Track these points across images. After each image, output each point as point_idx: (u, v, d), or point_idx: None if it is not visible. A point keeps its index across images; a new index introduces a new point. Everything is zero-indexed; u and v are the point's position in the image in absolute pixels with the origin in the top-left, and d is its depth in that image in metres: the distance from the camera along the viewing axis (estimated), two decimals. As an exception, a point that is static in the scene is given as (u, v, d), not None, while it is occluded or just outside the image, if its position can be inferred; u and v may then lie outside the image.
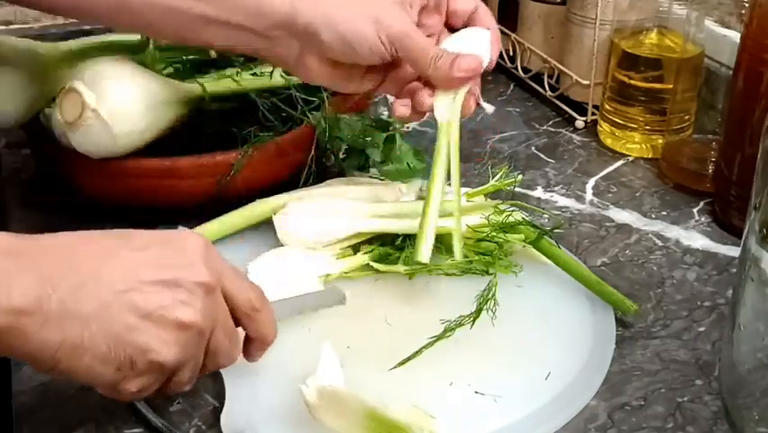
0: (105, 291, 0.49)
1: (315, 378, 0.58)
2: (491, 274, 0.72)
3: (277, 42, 0.68)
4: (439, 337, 0.66)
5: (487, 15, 0.74)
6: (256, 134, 0.82)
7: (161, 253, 0.52)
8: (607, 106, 0.99)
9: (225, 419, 0.61)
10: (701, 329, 0.72)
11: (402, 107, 0.71)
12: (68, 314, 0.48)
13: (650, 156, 0.98)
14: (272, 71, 0.89)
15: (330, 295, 0.71)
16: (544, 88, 1.09)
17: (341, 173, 0.87)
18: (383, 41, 0.67)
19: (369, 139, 0.89)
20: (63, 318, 0.47)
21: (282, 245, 0.75)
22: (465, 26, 0.74)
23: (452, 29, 0.74)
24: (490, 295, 0.69)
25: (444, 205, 0.76)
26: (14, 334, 0.46)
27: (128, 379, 0.51)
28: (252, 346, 0.60)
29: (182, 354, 0.52)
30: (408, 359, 0.64)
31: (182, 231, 0.57)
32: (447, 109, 0.70)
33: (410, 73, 0.72)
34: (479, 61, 0.70)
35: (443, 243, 0.76)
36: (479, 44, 0.72)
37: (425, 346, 0.65)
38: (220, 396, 0.63)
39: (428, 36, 0.72)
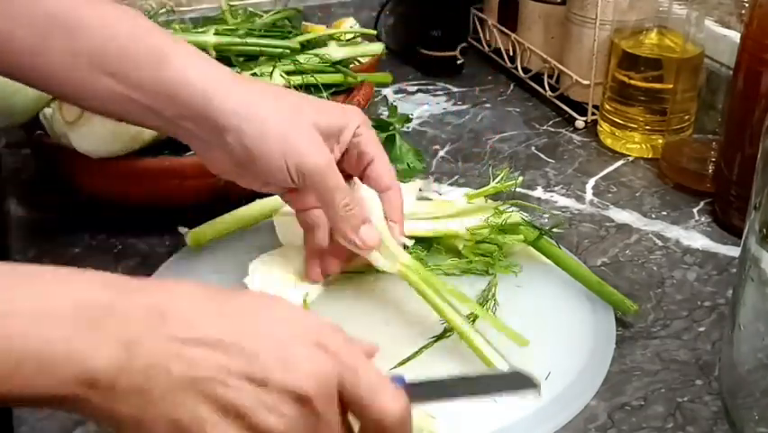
0: (183, 373, 0.43)
1: None
2: (491, 274, 0.72)
3: (184, 131, 0.64)
4: (439, 338, 0.66)
5: (393, 207, 0.68)
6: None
7: (262, 342, 0.44)
8: (607, 106, 0.99)
9: (225, 419, 0.60)
10: (701, 329, 0.72)
11: (315, 271, 0.69)
12: (136, 389, 0.42)
13: (650, 156, 0.98)
14: (272, 71, 0.89)
15: (519, 379, 0.53)
16: (544, 88, 1.09)
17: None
18: (290, 170, 0.62)
19: (369, 139, 0.89)
20: (131, 393, 0.42)
21: (282, 245, 0.75)
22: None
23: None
24: (490, 295, 0.69)
25: (444, 205, 0.76)
26: (78, 404, 0.42)
27: None
28: None
29: None
30: (408, 359, 0.64)
31: (309, 315, 0.48)
32: (389, 256, 0.67)
33: (315, 200, 0.66)
34: (377, 240, 0.66)
35: (442, 243, 0.76)
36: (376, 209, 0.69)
37: (425, 346, 0.65)
38: (220, 396, 0.63)
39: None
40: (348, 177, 0.68)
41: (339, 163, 0.66)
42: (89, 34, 0.62)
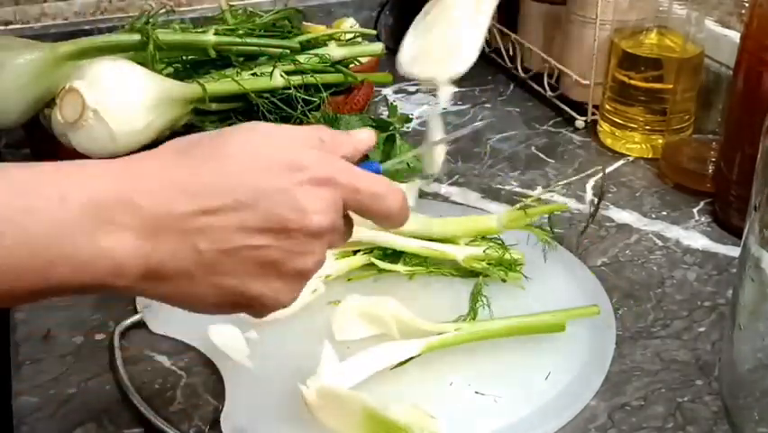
0: (208, 246, 0.47)
1: (316, 377, 0.58)
2: (490, 276, 0.73)
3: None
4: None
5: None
6: (256, 134, 0.82)
7: (269, 192, 0.48)
8: (607, 106, 0.99)
9: (225, 418, 0.61)
10: (701, 329, 0.72)
11: None
12: (169, 272, 0.46)
13: (650, 156, 0.98)
14: (272, 71, 0.89)
15: None
16: (543, 88, 1.09)
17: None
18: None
19: (369, 139, 0.89)
20: (165, 276, 0.46)
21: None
22: None
23: None
24: (476, 291, 0.70)
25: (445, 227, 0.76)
26: (121, 290, 0.46)
27: (252, 307, 0.50)
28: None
29: (298, 293, 0.51)
30: (409, 359, 0.64)
31: (298, 139, 0.51)
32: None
33: None
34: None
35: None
36: None
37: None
38: (220, 396, 0.63)
39: None
40: None
41: None
42: None
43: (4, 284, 0.43)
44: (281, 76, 0.89)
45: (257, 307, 0.50)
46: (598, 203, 0.80)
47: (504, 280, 0.73)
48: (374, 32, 1.09)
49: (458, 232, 0.74)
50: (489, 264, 0.73)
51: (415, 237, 0.74)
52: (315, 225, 0.48)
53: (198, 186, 0.47)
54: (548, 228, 0.76)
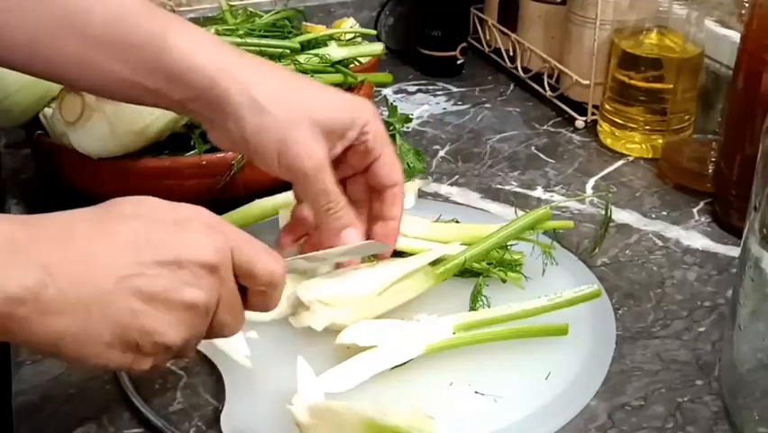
0: (106, 277, 0.48)
1: (300, 396, 0.57)
2: (490, 277, 0.73)
3: (192, 112, 0.65)
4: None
5: (395, 204, 0.68)
6: (256, 134, 0.82)
7: (162, 230, 0.51)
8: (607, 106, 0.99)
9: (225, 419, 0.61)
10: (701, 329, 0.72)
11: (287, 240, 0.70)
12: (68, 303, 0.47)
13: (650, 156, 0.98)
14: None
15: (366, 247, 0.67)
16: (543, 88, 1.09)
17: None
18: (280, 167, 0.63)
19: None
20: (63, 308, 0.47)
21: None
22: (375, 196, 0.69)
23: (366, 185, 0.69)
24: (476, 291, 0.70)
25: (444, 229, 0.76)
26: (15, 322, 0.46)
27: (137, 360, 0.51)
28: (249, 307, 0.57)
29: (187, 333, 0.51)
30: (409, 360, 0.64)
31: (185, 205, 0.54)
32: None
33: None
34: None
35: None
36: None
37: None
38: (220, 396, 0.63)
39: (346, 175, 0.68)
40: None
41: (343, 157, 0.66)
42: (90, 21, 0.62)
43: None
44: (281, 76, 0.89)
45: (146, 345, 0.50)
46: (607, 223, 0.80)
47: (504, 281, 0.73)
48: (374, 32, 1.09)
49: (459, 239, 0.74)
50: (488, 264, 0.73)
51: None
52: (205, 258, 0.51)
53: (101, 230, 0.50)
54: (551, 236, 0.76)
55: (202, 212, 0.54)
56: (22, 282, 0.45)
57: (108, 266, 0.48)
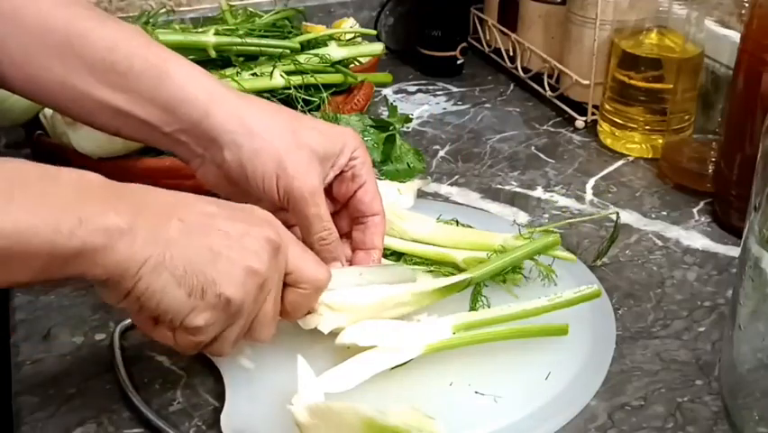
0: (188, 227, 0.53)
1: (300, 396, 0.57)
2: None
3: (182, 146, 0.65)
4: (439, 337, 0.66)
5: (377, 233, 0.69)
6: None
7: (233, 211, 0.56)
8: (607, 106, 0.99)
9: (225, 419, 0.61)
10: (701, 329, 0.72)
11: None
12: (154, 237, 0.51)
13: (650, 156, 0.98)
14: (272, 71, 0.89)
15: (399, 272, 0.69)
16: (543, 88, 1.09)
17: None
18: (278, 191, 0.63)
19: (369, 139, 0.89)
20: (149, 240, 0.51)
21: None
22: (357, 225, 0.70)
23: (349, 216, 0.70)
24: (476, 291, 0.70)
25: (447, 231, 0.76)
26: (107, 252, 0.50)
27: (197, 310, 0.53)
28: (285, 305, 0.60)
29: (245, 297, 0.54)
30: (409, 360, 0.64)
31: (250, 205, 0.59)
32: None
33: None
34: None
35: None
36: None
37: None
38: (220, 396, 0.63)
39: (332, 210, 0.69)
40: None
41: (328, 189, 0.68)
42: (88, 46, 0.62)
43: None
44: (281, 76, 0.89)
45: (210, 293, 0.53)
46: (613, 238, 0.80)
47: (504, 281, 0.73)
48: (374, 32, 1.09)
49: (460, 245, 0.74)
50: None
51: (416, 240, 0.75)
52: (270, 236, 0.56)
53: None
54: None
55: (261, 209, 0.59)
56: (120, 215, 0.50)
57: (190, 222, 0.53)
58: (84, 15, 0.63)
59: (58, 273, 0.50)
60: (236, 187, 0.65)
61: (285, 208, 0.64)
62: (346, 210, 0.70)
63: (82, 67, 0.62)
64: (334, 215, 0.69)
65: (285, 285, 0.59)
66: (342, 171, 0.68)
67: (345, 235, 0.70)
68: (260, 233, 0.55)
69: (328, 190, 0.68)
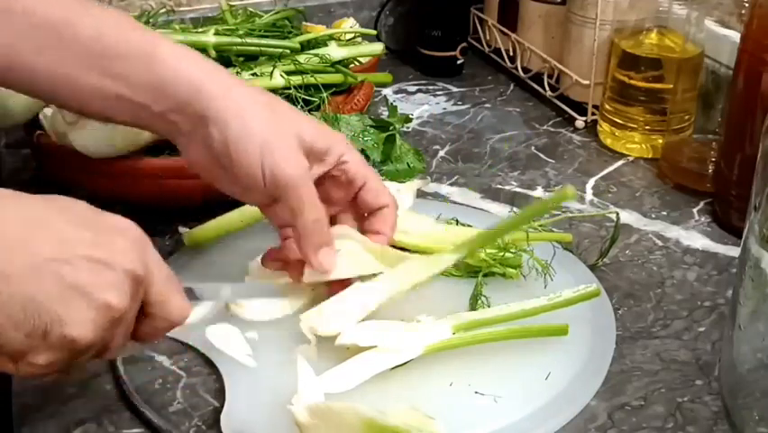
0: (35, 256, 0.48)
1: (300, 396, 0.57)
2: (493, 276, 0.73)
3: (172, 126, 0.63)
4: (439, 337, 0.66)
5: (386, 222, 0.68)
6: (256, 134, 0.82)
7: (97, 231, 0.51)
8: (607, 106, 0.99)
9: (225, 419, 0.61)
10: (701, 329, 0.72)
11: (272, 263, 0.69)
12: None
13: (650, 156, 0.98)
14: (272, 71, 0.89)
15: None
16: (543, 88, 1.09)
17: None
18: (264, 176, 0.62)
19: (369, 139, 0.89)
20: None
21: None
22: (368, 217, 0.69)
23: (356, 214, 0.69)
24: (477, 291, 0.70)
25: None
26: None
27: (37, 350, 0.49)
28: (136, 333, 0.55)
29: (96, 335, 0.50)
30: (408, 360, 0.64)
31: (118, 217, 0.53)
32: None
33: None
34: (332, 267, 0.64)
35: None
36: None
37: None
38: (220, 396, 0.63)
39: (335, 211, 0.68)
40: None
41: (326, 193, 0.66)
42: (75, 36, 0.62)
43: None
44: (281, 76, 0.89)
45: (53, 335, 0.48)
46: (613, 240, 0.80)
47: (503, 275, 0.73)
48: (374, 32, 1.09)
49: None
50: (491, 260, 0.73)
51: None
52: (134, 268, 0.51)
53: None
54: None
55: (136, 228, 0.53)
56: None
57: (40, 248, 0.48)
58: (68, 5, 0.63)
59: None
60: (224, 171, 0.63)
61: (273, 196, 0.63)
62: (350, 210, 0.69)
63: (71, 57, 0.61)
64: (338, 216, 0.69)
65: (140, 314, 0.54)
66: (333, 176, 0.66)
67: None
68: (123, 263, 0.50)
69: (326, 195, 0.67)
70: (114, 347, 0.53)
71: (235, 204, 0.79)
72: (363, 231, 0.69)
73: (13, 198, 0.50)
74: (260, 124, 0.62)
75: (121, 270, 0.50)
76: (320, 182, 0.65)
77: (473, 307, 0.70)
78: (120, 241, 0.51)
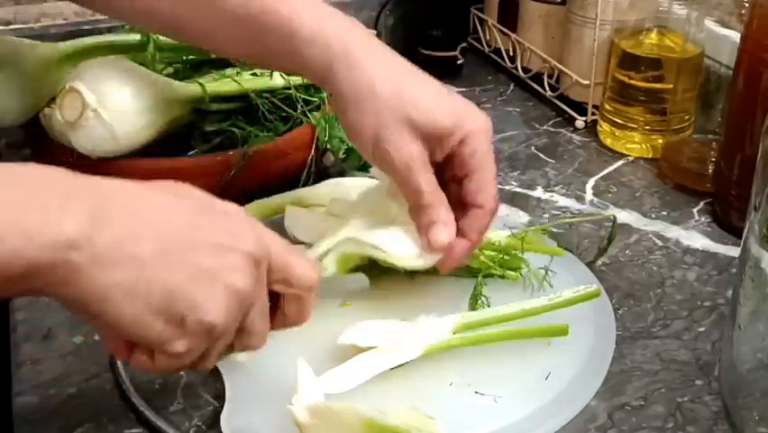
0: (165, 241, 0.48)
1: (300, 396, 0.57)
2: (492, 277, 0.73)
3: (314, 80, 0.70)
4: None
5: (473, 225, 0.66)
6: (256, 134, 0.83)
7: (214, 217, 0.51)
8: (607, 106, 0.99)
9: (225, 419, 0.61)
10: (701, 329, 0.72)
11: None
12: (124, 255, 0.46)
13: (650, 156, 0.98)
14: (272, 71, 0.89)
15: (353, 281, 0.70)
16: (543, 88, 1.09)
17: (341, 173, 0.87)
18: (375, 157, 0.65)
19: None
20: (118, 259, 0.46)
21: (287, 240, 0.75)
22: (463, 208, 0.67)
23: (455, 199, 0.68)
24: (476, 291, 0.70)
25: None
26: (66, 271, 0.44)
27: (176, 338, 0.49)
28: (279, 324, 0.57)
29: (228, 320, 0.50)
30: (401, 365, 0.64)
31: (229, 203, 0.54)
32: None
33: None
34: (446, 244, 0.64)
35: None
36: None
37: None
38: (220, 396, 0.63)
39: (448, 178, 0.68)
40: None
41: (447, 160, 0.66)
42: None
43: None
44: (281, 76, 0.89)
45: (190, 320, 0.48)
46: (609, 241, 0.80)
47: (502, 277, 0.73)
48: (374, 32, 1.09)
49: None
50: (490, 262, 0.73)
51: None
52: (251, 249, 0.51)
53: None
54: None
55: (244, 212, 0.55)
56: (77, 225, 0.44)
57: (168, 234, 0.48)
58: None
59: (13, 292, 0.46)
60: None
61: None
62: (453, 191, 0.67)
63: (222, 18, 0.67)
64: (451, 184, 0.68)
65: (276, 294, 0.55)
66: (456, 153, 0.66)
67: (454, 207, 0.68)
68: (243, 245, 0.51)
69: (447, 161, 0.66)
70: (254, 333, 0.54)
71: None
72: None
73: (136, 187, 0.50)
74: (376, 111, 0.64)
75: (240, 252, 0.50)
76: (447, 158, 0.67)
77: (473, 307, 0.70)
78: (235, 225, 0.52)
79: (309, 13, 0.66)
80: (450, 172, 0.67)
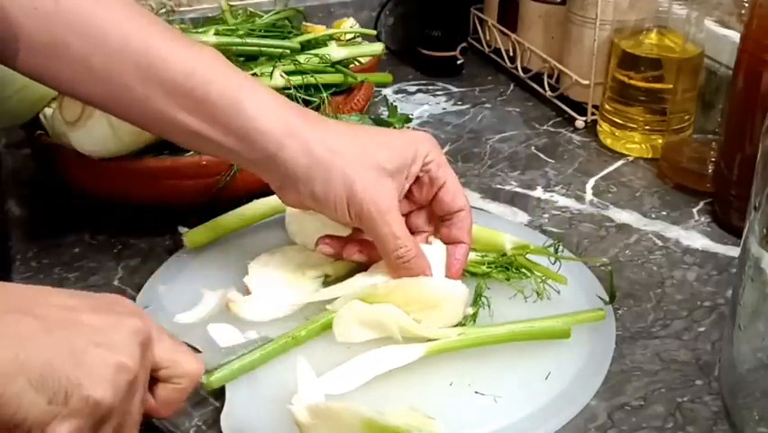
0: (46, 323, 0.46)
1: (300, 396, 0.57)
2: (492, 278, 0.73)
3: (265, 173, 0.67)
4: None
5: (463, 228, 0.69)
6: (256, 134, 0.82)
7: (95, 300, 0.51)
8: (607, 106, 0.99)
9: (225, 419, 0.61)
10: (701, 329, 0.72)
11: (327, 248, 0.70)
12: (6, 336, 0.45)
13: (650, 156, 0.98)
14: (272, 71, 0.89)
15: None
16: (543, 88, 1.09)
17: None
18: (350, 214, 0.65)
19: (369, 139, 0.89)
20: None
21: (282, 245, 0.75)
22: (443, 221, 0.70)
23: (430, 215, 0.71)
24: (477, 293, 0.70)
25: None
26: None
27: (60, 418, 0.46)
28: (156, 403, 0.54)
29: (115, 396, 0.47)
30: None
31: (106, 293, 0.53)
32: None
33: None
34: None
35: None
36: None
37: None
38: (220, 396, 0.63)
39: (410, 209, 0.70)
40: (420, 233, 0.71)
41: (409, 193, 0.68)
42: (168, 70, 0.63)
43: None
44: (281, 76, 0.89)
45: (75, 398, 0.46)
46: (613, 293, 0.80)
47: (507, 279, 0.73)
48: (374, 32, 1.09)
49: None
50: (491, 267, 0.73)
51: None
52: (139, 326, 0.50)
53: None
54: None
55: (126, 299, 0.53)
56: None
57: (42, 312, 0.47)
58: (162, 35, 0.64)
59: None
60: (314, 207, 0.66)
61: (359, 229, 0.67)
62: (428, 209, 0.71)
63: (161, 89, 0.63)
64: (411, 214, 0.70)
65: (155, 380, 0.53)
66: (418, 177, 0.68)
67: (422, 232, 0.71)
68: (128, 325, 0.49)
69: (407, 194, 0.69)
70: (133, 418, 0.50)
71: (235, 204, 0.79)
72: (438, 235, 0.70)
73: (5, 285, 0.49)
74: (343, 169, 0.64)
75: (126, 331, 0.49)
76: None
77: (473, 307, 0.70)
78: (119, 306, 0.51)
79: (253, 90, 0.65)
80: (414, 203, 0.70)
